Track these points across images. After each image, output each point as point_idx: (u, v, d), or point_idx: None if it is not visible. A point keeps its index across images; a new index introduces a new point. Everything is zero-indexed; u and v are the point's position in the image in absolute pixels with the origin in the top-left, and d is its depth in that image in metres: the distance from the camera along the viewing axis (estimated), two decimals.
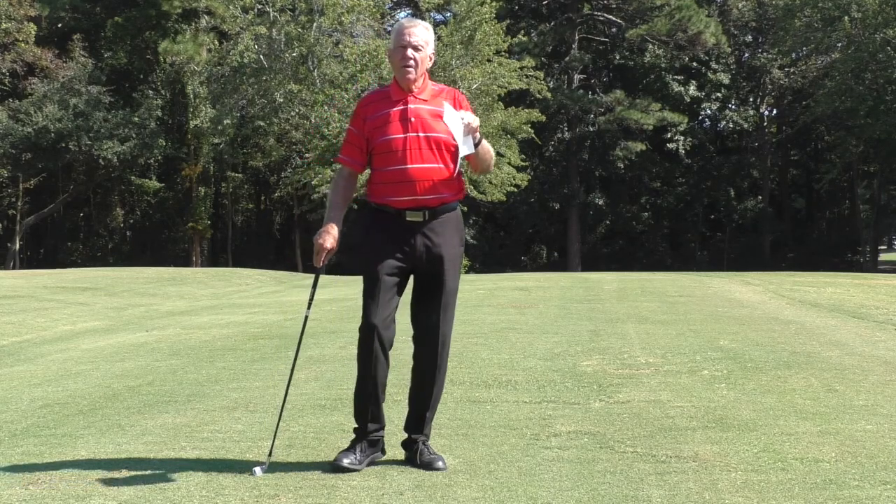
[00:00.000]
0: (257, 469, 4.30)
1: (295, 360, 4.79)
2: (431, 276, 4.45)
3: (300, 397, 6.07)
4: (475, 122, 4.40)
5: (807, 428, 5.07)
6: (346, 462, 4.32)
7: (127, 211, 47.66)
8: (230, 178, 45.78)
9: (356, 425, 4.48)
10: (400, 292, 4.47)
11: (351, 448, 4.41)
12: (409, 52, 4.38)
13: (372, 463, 4.44)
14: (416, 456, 4.44)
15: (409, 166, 4.36)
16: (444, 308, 4.46)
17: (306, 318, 4.72)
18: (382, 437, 4.52)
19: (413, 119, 4.40)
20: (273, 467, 4.39)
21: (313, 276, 4.78)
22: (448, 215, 4.47)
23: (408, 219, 4.39)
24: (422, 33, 4.43)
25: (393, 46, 4.47)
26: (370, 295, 4.40)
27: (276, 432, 4.62)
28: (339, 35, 33.12)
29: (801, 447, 4.66)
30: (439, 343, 4.47)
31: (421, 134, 4.39)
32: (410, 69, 4.39)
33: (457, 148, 4.42)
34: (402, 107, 4.42)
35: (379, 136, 4.41)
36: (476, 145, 4.45)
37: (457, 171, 4.47)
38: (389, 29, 41.53)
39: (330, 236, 4.40)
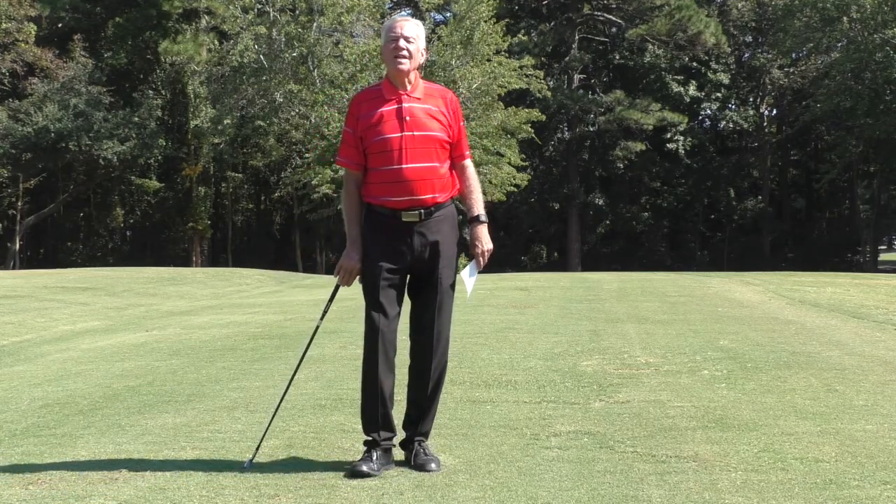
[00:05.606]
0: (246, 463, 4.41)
1: (299, 364, 4.81)
2: (429, 273, 4.44)
3: (300, 397, 6.06)
4: (489, 247, 4.56)
5: (807, 428, 5.07)
6: (364, 468, 4.24)
7: (127, 211, 47.59)
8: (230, 178, 45.76)
9: (367, 437, 4.40)
10: (401, 296, 4.46)
11: (367, 456, 4.33)
12: (402, 42, 4.35)
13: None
14: (411, 456, 4.43)
15: (405, 166, 4.34)
16: (441, 305, 4.45)
17: (317, 327, 4.77)
18: (394, 445, 4.47)
19: (408, 118, 4.36)
20: (273, 467, 4.39)
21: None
22: (443, 212, 4.45)
23: (404, 219, 4.37)
24: (413, 28, 4.41)
25: (384, 41, 4.44)
26: (372, 301, 4.40)
27: (265, 431, 4.66)
28: (339, 35, 33.11)
29: (801, 447, 4.66)
30: (434, 340, 4.43)
31: (416, 133, 4.36)
32: (404, 59, 4.35)
33: (450, 145, 4.46)
34: (395, 105, 4.38)
35: (373, 135, 4.36)
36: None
37: (447, 169, 4.46)
38: None
39: (357, 257, 4.42)
